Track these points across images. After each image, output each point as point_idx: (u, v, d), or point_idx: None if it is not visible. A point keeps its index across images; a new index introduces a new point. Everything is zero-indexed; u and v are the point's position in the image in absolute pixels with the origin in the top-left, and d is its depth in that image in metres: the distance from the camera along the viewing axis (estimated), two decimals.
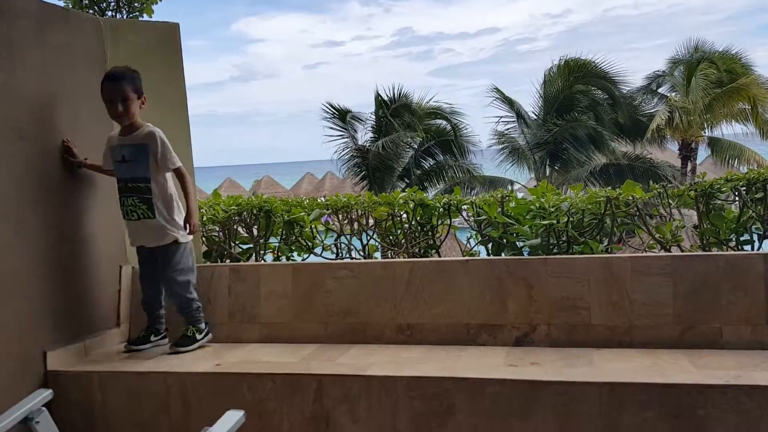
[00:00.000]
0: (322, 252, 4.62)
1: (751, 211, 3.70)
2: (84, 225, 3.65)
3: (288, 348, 3.60)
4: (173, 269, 3.52)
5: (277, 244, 4.56)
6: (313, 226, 4.55)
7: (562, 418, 2.78)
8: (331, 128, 17.55)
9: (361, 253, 4.60)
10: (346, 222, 4.60)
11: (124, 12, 5.49)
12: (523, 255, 4.04)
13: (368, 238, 4.56)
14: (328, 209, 4.54)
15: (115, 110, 3.44)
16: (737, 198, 3.77)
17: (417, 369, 3.08)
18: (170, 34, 4.32)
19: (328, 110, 17.52)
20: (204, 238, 4.61)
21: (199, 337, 3.59)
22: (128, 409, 3.27)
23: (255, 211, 4.47)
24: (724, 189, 3.78)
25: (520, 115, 17.84)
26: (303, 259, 4.61)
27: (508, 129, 18.25)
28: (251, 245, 4.59)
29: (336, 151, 17.48)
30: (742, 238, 3.78)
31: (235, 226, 4.56)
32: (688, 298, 3.24)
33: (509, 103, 17.96)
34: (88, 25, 3.89)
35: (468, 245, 4.67)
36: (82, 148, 3.63)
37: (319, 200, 4.72)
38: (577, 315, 3.38)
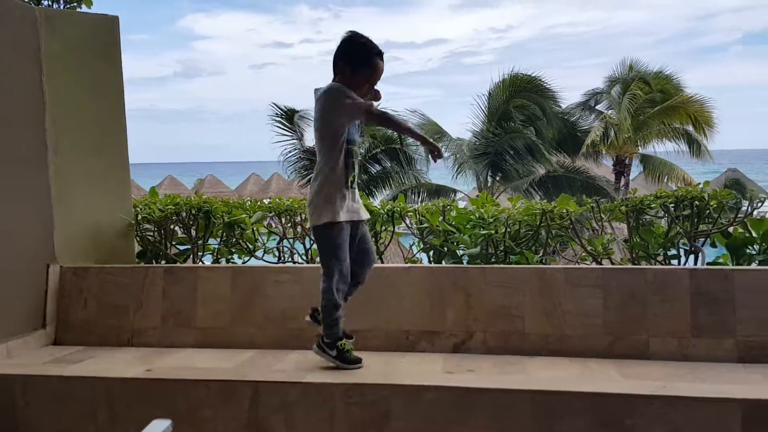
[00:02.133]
0: (263, 255, 4.55)
1: (678, 227, 3.87)
2: (3, 222, 3.48)
3: (224, 354, 3.53)
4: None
5: (216, 246, 4.47)
6: (254, 228, 4.48)
7: (497, 424, 2.82)
8: (279, 128, 17.34)
9: (304, 258, 4.55)
10: (289, 225, 4.55)
11: (62, 2, 5.28)
12: (463, 263, 4.10)
13: (311, 242, 4.52)
14: (270, 212, 4.48)
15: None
16: (666, 214, 3.93)
17: (355, 376, 3.07)
18: (109, 26, 4.20)
19: (275, 110, 17.31)
20: (138, 238, 4.47)
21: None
22: (52, 415, 3.13)
23: (194, 212, 4.36)
24: (653, 205, 3.94)
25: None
26: (243, 262, 4.53)
27: (454, 139, 18.51)
28: (189, 246, 4.48)
29: (283, 152, 17.28)
30: (669, 253, 3.94)
31: (172, 226, 4.44)
32: (617, 310, 3.36)
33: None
34: (20, 14, 3.73)
35: (411, 252, 4.70)
36: (6, 135, 3.46)
37: (261, 202, 4.64)
38: (513, 323, 3.45)
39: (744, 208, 4.00)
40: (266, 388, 3.01)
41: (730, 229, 3.86)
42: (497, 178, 17.60)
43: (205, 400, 3.02)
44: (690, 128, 18.81)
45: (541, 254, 4.08)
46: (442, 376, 3.08)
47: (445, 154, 18.41)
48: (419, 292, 3.57)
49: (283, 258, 4.50)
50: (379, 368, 3.18)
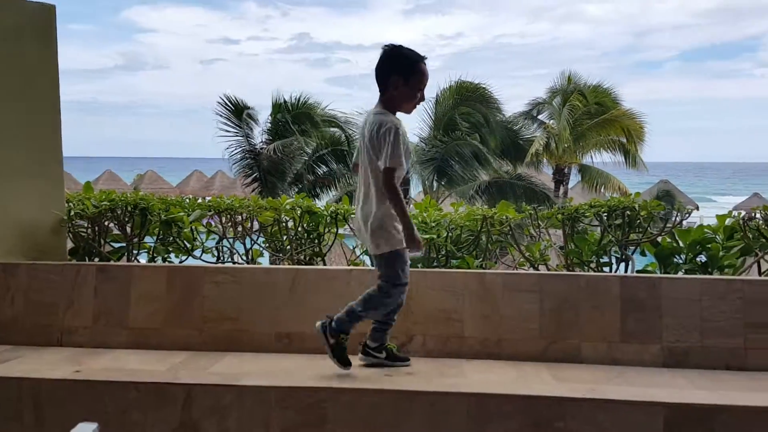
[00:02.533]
0: (201, 255, 4.46)
1: (610, 236, 4.02)
2: None
3: (158, 355, 3.44)
4: None
5: (153, 245, 4.35)
6: (193, 227, 4.39)
7: (432, 427, 2.85)
8: (226, 124, 17.04)
9: (244, 258, 4.49)
10: (229, 225, 4.47)
11: None
12: None
13: (252, 242, 4.46)
14: (210, 210, 4.39)
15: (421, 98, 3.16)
16: (599, 223, 4.07)
17: (293, 379, 3.05)
18: (44, 15, 4.05)
19: (224, 104, 16.98)
20: (71, 235, 4.31)
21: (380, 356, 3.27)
22: None
23: (129, 208, 4.23)
24: (587, 214, 4.07)
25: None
26: (181, 262, 4.43)
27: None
28: (124, 244, 4.34)
29: (228, 148, 16.96)
30: (602, 260, 4.08)
31: (106, 223, 4.30)
32: (552, 315, 3.45)
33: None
34: None
35: (354, 254, 4.71)
36: None
37: (200, 200, 4.54)
38: (452, 327, 3.50)
39: (673, 219, 4.18)
40: (200, 391, 2.95)
41: (659, 239, 4.03)
42: (443, 183, 17.81)
43: (135, 403, 2.94)
44: (624, 140, 19.56)
45: (481, 259, 4.15)
46: (380, 378, 3.09)
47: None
48: (360, 294, 3.56)
49: (222, 258, 4.42)
50: (316, 371, 3.16)
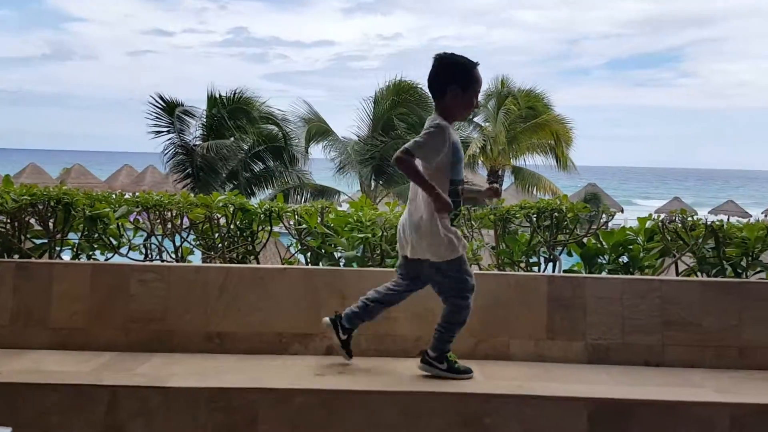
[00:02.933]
0: (128, 252, 4.31)
1: (539, 237, 4.14)
2: None
3: (81, 356, 3.31)
4: None
5: (77, 241, 4.17)
6: (120, 223, 4.23)
7: (363, 426, 2.86)
8: (158, 120, 16.53)
9: (173, 256, 4.37)
10: (158, 221, 4.34)
11: None
12: (340, 266, 4.12)
13: (182, 240, 4.34)
14: (138, 206, 4.25)
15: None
16: (529, 224, 4.19)
17: (223, 380, 3.00)
18: None
19: (156, 102, 16.49)
20: None
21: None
22: None
23: (52, 203, 4.04)
24: (518, 215, 4.18)
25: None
26: (106, 259, 4.26)
27: (341, 138, 18.58)
28: (46, 241, 4.14)
29: (161, 145, 16.49)
30: (531, 261, 4.20)
31: (27, 218, 4.09)
32: (482, 313, 3.51)
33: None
34: None
35: (289, 253, 4.66)
36: None
37: (128, 196, 4.38)
38: (386, 325, 3.52)
39: (599, 221, 4.35)
40: (125, 392, 2.86)
41: (585, 240, 4.18)
42: (381, 183, 17.89)
43: (55, 406, 2.81)
44: (553, 144, 20.25)
45: None
46: (313, 378, 3.08)
47: (332, 154, 18.44)
48: (294, 293, 3.55)
49: (150, 256, 4.29)
50: (247, 372, 3.12)
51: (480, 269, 4.19)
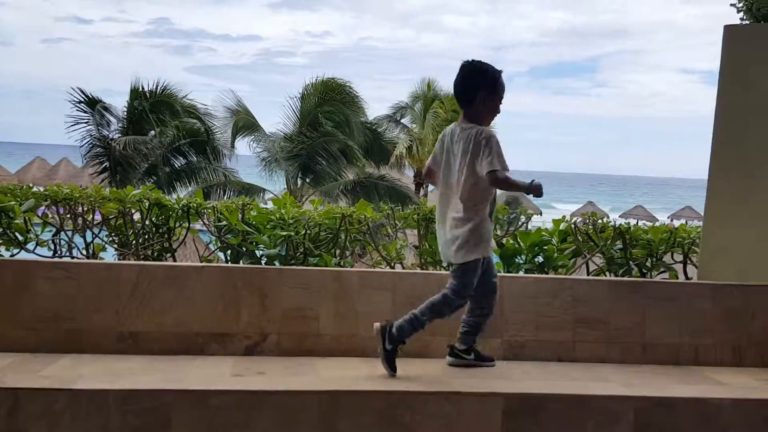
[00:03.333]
0: (35, 248, 4.09)
1: None
2: None
3: None
4: None
5: None
6: (26, 217, 4.01)
7: (282, 426, 2.82)
8: (76, 111, 15.80)
9: (84, 253, 4.18)
10: (68, 216, 4.14)
11: None
12: (261, 264, 4.06)
13: (94, 236, 4.16)
14: (46, 200, 4.03)
15: None
16: None
17: (135, 381, 2.89)
18: None
19: (76, 95, 15.75)
20: None
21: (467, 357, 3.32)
22: None
23: None
24: None
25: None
26: (12, 255, 4.03)
27: (267, 136, 18.30)
28: None
29: (78, 137, 15.74)
30: None
31: None
32: (404, 311, 3.53)
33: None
34: None
35: (208, 250, 4.55)
36: None
37: (36, 189, 4.16)
38: (307, 325, 3.49)
39: (518, 223, 4.50)
40: (28, 395, 2.70)
41: (503, 240, 4.31)
42: (307, 181, 17.75)
43: None
44: None
45: (339, 258, 4.20)
46: (230, 379, 3.02)
47: (258, 149, 18.13)
48: (212, 292, 3.46)
49: (59, 252, 4.08)
50: (161, 373, 3.02)
51: (403, 268, 4.24)
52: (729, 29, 4.01)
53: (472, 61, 3.25)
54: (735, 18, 4.21)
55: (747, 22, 4.15)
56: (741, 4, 4.14)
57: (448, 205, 3.21)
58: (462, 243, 3.13)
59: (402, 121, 21.72)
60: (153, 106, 16.26)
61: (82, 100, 15.77)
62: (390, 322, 3.16)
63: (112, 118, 16.14)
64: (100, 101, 15.92)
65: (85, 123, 15.77)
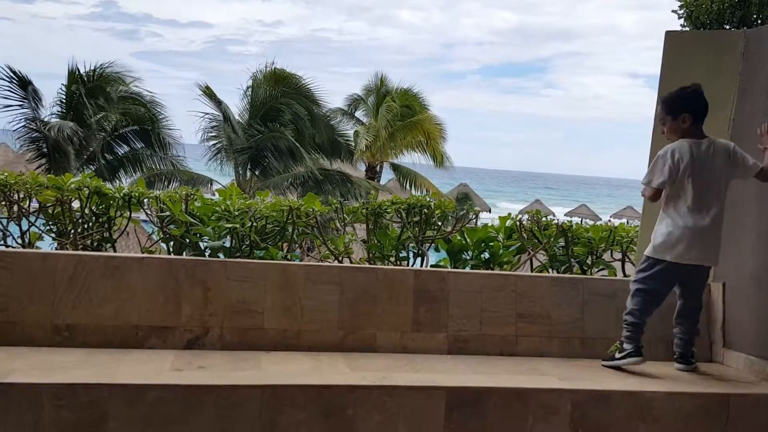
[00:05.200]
0: None
1: (409, 232, 4.26)
2: None
3: None
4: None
5: None
6: None
7: (222, 421, 2.78)
8: (9, 93, 15.08)
9: (19, 242, 4.01)
10: (2, 204, 3.96)
11: None
12: (205, 256, 3.99)
13: (30, 224, 4.00)
14: None
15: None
16: (399, 219, 4.30)
17: (70, 375, 2.79)
18: None
19: (6, 74, 15.00)
20: None
21: (618, 355, 3.44)
22: None
23: None
24: (389, 210, 4.28)
25: (227, 118, 17.72)
26: None
27: (213, 127, 17.95)
28: None
29: (12, 122, 15.04)
30: (400, 255, 4.31)
31: None
32: (350, 306, 3.55)
33: (217, 102, 17.68)
34: None
35: (150, 241, 4.44)
36: None
37: None
38: (251, 319, 3.45)
39: (465, 219, 4.55)
40: None
41: (451, 236, 4.36)
42: (256, 173, 17.51)
43: None
44: (433, 142, 20.97)
45: (286, 251, 4.15)
46: (169, 374, 2.95)
47: (207, 143, 17.77)
48: (153, 284, 3.37)
49: None
50: (98, 367, 2.93)
51: (351, 263, 4.23)
52: (669, 35, 4.15)
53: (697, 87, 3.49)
54: (676, 24, 4.36)
55: (687, 28, 4.29)
56: (682, 11, 4.29)
57: (715, 209, 3.42)
58: (719, 246, 3.48)
59: (356, 114, 21.69)
60: (91, 91, 15.65)
61: (14, 79, 15.06)
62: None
63: (46, 102, 15.48)
64: (31, 83, 15.24)
65: (19, 105, 15.09)
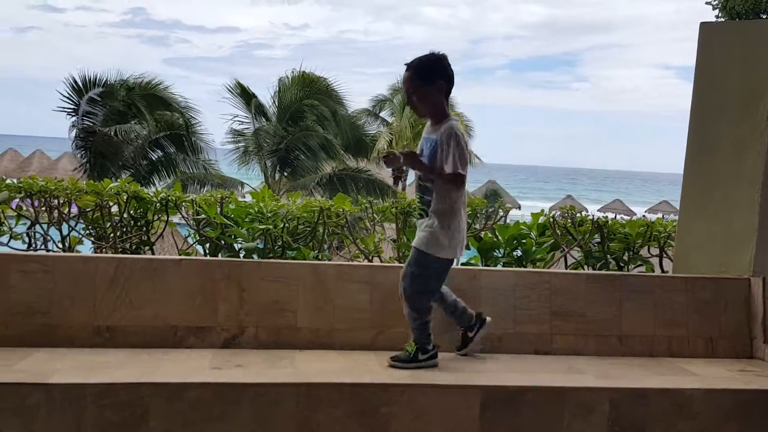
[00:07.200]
0: (9, 241, 4.02)
1: None
2: None
3: None
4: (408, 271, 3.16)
5: None
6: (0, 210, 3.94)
7: (259, 418, 2.82)
8: (63, 102, 15.63)
9: (60, 246, 4.12)
10: (44, 209, 4.08)
11: None
12: (240, 257, 4.05)
13: (70, 229, 4.11)
14: (21, 192, 3.97)
15: (411, 106, 3.22)
16: None
17: (111, 375, 2.86)
18: None
19: (69, 84, 15.56)
20: None
21: (421, 357, 3.18)
22: None
23: None
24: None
25: (261, 112, 17.93)
26: None
27: (242, 130, 18.18)
28: None
29: (52, 128, 15.60)
30: None
31: None
32: (382, 305, 3.56)
33: (247, 101, 17.90)
34: None
35: (187, 243, 4.52)
36: None
37: (10, 181, 4.09)
38: (285, 318, 3.49)
39: (496, 216, 4.52)
40: (1, 390, 2.66)
41: (482, 234, 4.34)
42: (285, 174, 17.67)
43: None
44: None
45: (317, 251, 4.19)
46: (208, 372, 3.00)
47: (235, 146, 17.98)
48: (190, 285, 3.44)
49: (34, 245, 4.02)
50: (138, 366, 2.99)
51: (381, 262, 4.24)
52: (704, 27, 4.06)
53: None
54: (710, 15, 4.27)
55: (722, 19, 4.20)
56: (716, 2, 4.20)
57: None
58: None
59: (381, 114, 21.71)
60: (131, 99, 16.08)
61: (75, 88, 15.58)
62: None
63: (96, 109, 15.94)
64: (86, 92, 15.71)
65: (74, 113, 15.59)
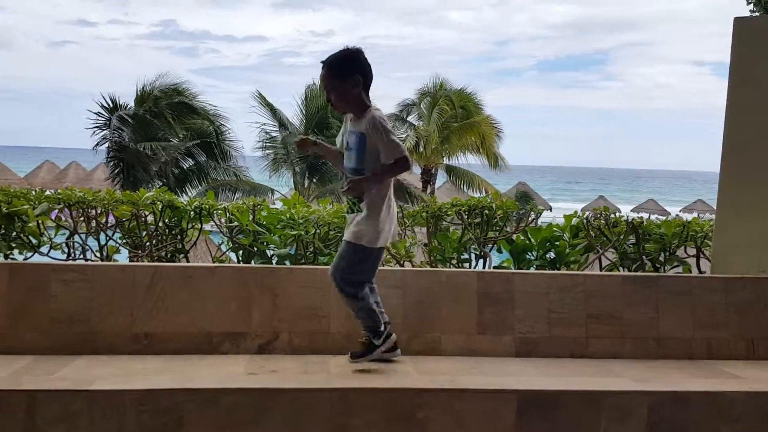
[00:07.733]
0: (49, 251, 4.12)
1: (470, 234, 4.23)
2: None
3: None
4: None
5: None
6: (39, 221, 4.05)
7: (293, 423, 2.84)
8: (96, 117, 16.07)
9: (98, 255, 4.21)
10: (81, 219, 4.18)
11: None
12: (272, 263, 4.08)
13: (107, 238, 4.19)
14: (59, 203, 4.07)
15: (330, 103, 3.19)
16: (460, 221, 4.29)
17: (150, 381, 2.91)
18: None
19: (100, 102, 16.04)
20: None
21: (377, 342, 3.17)
22: None
23: None
24: (449, 213, 4.26)
25: (282, 125, 18.12)
26: (25, 258, 4.07)
27: (272, 137, 18.39)
28: None
29: (87, 140, 16.00)
30: (462, 257, 4.29)
31: None
32: (414, 309, 3.56)
33: (272, 111, 18.10)
34: None
35: (220, 251, 4.58)
36: None
37: (49, 193, 4.20)
38: (318, 323, 3.51)
39: (527, 218, 4.49)
40: (45, 397, 2.73)
41: (514, 237, 4.30)
42: (314, 180, 17.79)
43: None
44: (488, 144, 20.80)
45: None
46: (243, 378, 3.04)
47: (265, 153, 18.18)
48: (225, 292, 3.49)
49: (73, 255, 4.12)
50: (175, 373, 3.04)
51: (412, 266, 4.24)
52: (739, 21, 3.98)
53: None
54: (745, 9, 4.18)
55: (757, 13, 4.11)
56: None
57: None
58: None
59: (408, 119, 21.69)
60: (161, 108, 16.41)
61: (107, 106, 16.03)
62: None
63: (128, 123, 16.34)
64: (119, 108, 16.14)
65: (106, 128, 16.01)
